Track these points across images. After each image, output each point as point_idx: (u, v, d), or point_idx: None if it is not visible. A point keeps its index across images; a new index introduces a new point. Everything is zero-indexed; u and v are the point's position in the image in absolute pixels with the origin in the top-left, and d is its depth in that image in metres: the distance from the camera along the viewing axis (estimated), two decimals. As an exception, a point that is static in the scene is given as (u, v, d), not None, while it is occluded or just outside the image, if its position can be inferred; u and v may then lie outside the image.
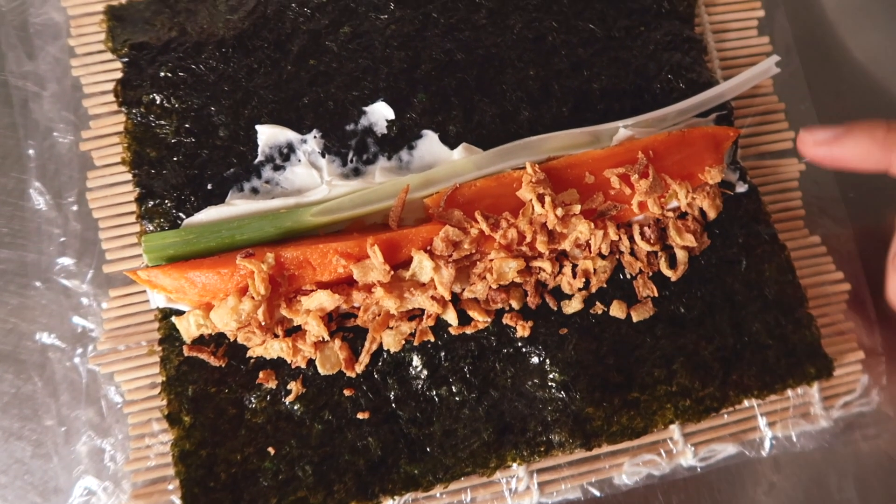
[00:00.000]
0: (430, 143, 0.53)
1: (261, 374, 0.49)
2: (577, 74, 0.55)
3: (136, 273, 0.47)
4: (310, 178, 0.52)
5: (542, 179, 0.49)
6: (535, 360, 0.51)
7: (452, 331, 0.50)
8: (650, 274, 0.52)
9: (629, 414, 0.51)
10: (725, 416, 0.54)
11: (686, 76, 0.55)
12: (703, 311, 0.53)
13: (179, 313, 0.49)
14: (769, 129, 0.59)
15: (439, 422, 0.50)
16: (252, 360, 0.50)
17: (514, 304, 0.50)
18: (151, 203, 0.51)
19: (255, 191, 0.51)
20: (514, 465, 0.52)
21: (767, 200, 0.57)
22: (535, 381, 0.51)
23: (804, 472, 0.56)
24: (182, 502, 0.48)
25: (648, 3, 0.57)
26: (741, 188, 0.54)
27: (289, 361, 0.49)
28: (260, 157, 0.52)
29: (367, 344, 0.49)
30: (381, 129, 0.53)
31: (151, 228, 0.51)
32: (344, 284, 0.48)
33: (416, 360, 0.50)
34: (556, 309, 0.51)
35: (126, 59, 0.53)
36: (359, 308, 0.49)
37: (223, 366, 0.50)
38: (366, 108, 0.53)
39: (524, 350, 0.51)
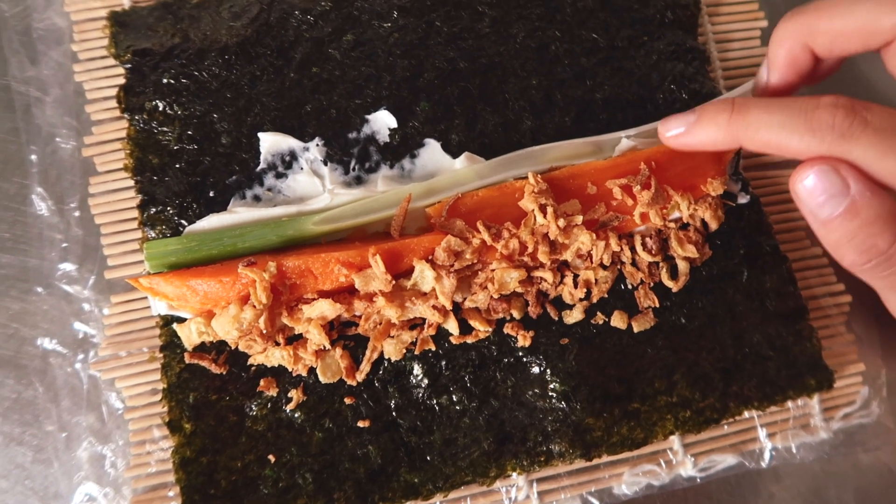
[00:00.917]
0: (432, 152, 0.53)
1: (262, 382, 0.50)
2: (579, 84, 0.55)
3: (137, 280, 0.47)
4: (312, 186, 0.52)
5: (544, 189, 0.49)
6: (535, 369, 0.51)
7: (453, 340, 0.50)
8: (651, 284, 0.52)
9: (629, 425, 0.51)
10: (725, 426, 0.55)
11: (689, 86, 0.56)
12: (704, 322, 0.53)
13: (181, 320, 0.49)
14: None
15: (439, 430, 0.50)
16: (253, 368, 0.50)
17: (516, 314, 0.51)
18: (153, 210, 0.51)
19: (257, 198, 0.52)
20: (514, 474, 0.52)
21: (769, 212, 0.57)
22: (536, 390, 0.51)
23: (804, 483, 0.57)
24: (182, 509, 0.48)
25: (651, 13, 0.57)
26: (743, 199, 0.54)
27: (290, 369, 0.49)
28: (262, 165, 0.52)
29: (368, 352, 0.50)
30: (383, 137, 0.53)
31: (153, 235, 0.51)
32: (345, 293, 0.48)
33: (417, 369, 0.51)
34: (557, 319, 0.51)
35: (129, 66, 0.53)
36: (360, 317, 0.49)
37: (224, 373, 0.50)
38: (368, 117, 0.53)
39: (525, 360, 0.51)
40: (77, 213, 0.53)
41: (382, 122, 0.53)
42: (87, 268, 0.53)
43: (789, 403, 0.55)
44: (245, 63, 0.53)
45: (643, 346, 0.52)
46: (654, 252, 0.51)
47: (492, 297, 0.50)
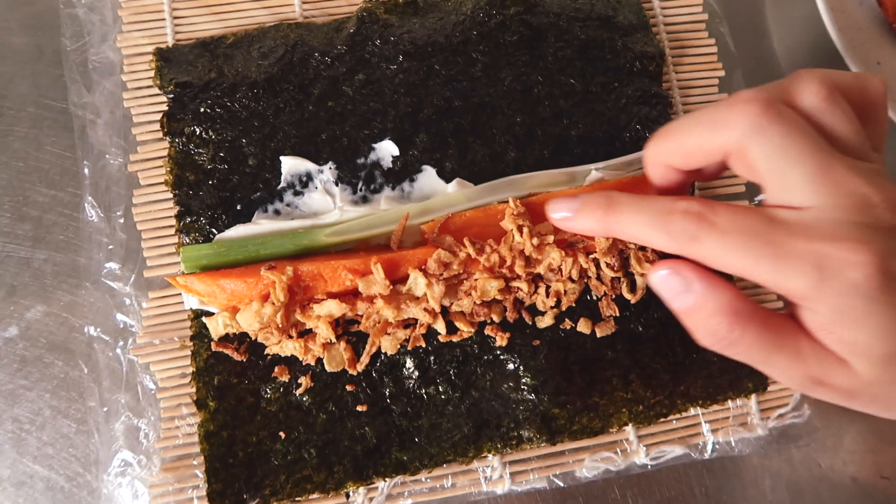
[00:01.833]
0: (428, 177, 0.55)
1: (276, 369, 0.52)
2: (558, 122, 0.58)
3: (175, 279, 0.50)
4: (324, 203, 0.55)
5: (522, 212, 0.51)
6: (511, 366, 0.54)
7: (441, 338, 0.52)
8: (613, 296, 0.55)
9: (589, 416, 0.54)
10: (674, 421, 0.57)
11: (652, 127, 0.59)
12: (657, 330, 0.55)
13: (209, 314, 0.51)
14: (723, 174, 0.61)
15: (427, 416, 0.53)
16: (269, 357, 0.52)
17: (495, 318, 0.53)
18: (189, 219, 0.54)
19: (277, 212, 0.54)
20: (490, 456, 0.54)
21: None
22: (510, 384, 0.54)
23: (742, 473, 0.59)
24: (205, 476, 0.51)
25: (622, 62, 0.60)
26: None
27: (300, 359, 0.51)
28: (282, 184, 0.55)
29: (367, 347, 0.52)
30: (387, 163, 0.56)
31: (188, 241, 0.54)
32: (350, 295, 0.50)
33: (409, 363, 0.53)
34: (530, 323, 0.54)
35: (171, 95, 0.56)
36: (362, 316, 0.51)
37: (245, 360, 0.52)
38: (375, 145, 0.56)
39: (502, 357, 0.54)
40: (122, 220, 0.55)
41: (386, 150, 0.56)
42: (129, 267, 0.54)
43: (730, 403, 0.57)
44: (271, 96, 0.56)
45: (604, 349, 0.55)
46: (615, 269, 0.53)
47: (475, 302, 0.51)
